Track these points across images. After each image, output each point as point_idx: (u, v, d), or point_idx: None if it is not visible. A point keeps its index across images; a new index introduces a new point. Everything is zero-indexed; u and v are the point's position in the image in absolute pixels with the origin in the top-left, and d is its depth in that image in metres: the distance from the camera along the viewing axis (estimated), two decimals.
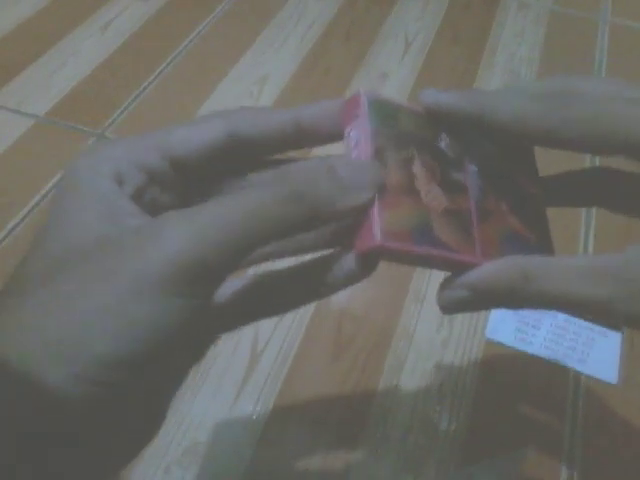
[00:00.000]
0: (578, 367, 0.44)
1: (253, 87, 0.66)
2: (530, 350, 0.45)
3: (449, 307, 0.21)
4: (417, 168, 0.20)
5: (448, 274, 0.21)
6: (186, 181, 0.21)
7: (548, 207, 0.24)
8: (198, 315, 0.17)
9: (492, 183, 0.22)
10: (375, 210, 0.19)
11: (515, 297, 0.19)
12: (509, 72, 0.70)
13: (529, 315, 0.47)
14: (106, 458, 0.18)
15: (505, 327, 0.46)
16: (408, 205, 0.19)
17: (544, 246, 0.22)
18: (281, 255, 0.22)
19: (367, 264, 0.20)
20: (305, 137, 0.21)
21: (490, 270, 0.19)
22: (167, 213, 0.17)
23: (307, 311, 0.47)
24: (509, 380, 0.44)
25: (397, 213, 0.19)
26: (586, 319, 0.19)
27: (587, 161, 0.59)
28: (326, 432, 0.41)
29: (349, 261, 0.20)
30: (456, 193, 0.21)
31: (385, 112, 0.20)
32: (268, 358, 0.44)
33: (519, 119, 0.19)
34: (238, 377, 0.43)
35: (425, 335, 0.46)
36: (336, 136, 0.21)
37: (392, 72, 0.69)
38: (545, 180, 0.24)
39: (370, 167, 0.19)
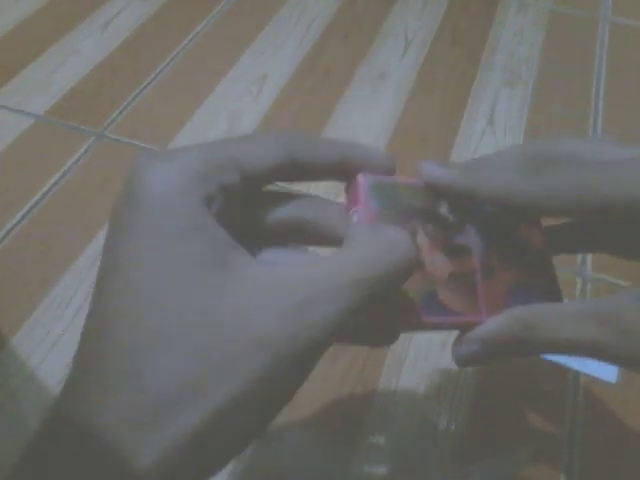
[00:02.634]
0: (577, 367, 0.44)
1: (252, 86, 0.66)
2: None
3: (463, 362, 0.22)
4: (421, 239, 0.21)
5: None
6: (247, 196, 0.21)
7: (553, 255, 0.25)
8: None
9: (494, 240, 0.23)
10: None
11: (521, 346, 0.21)
12: (509, 72, 0.70)
13: None
14: None
15: None
16: (415, 279, 0.21)
17: (551, 294, 0.24)
18: None
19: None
20: (347, 175, 0.22)
21: (494, 324, 0.21)
22: (275, 272, 0.17)
23: None
24: (508, 380, 0.44)
25: (405, 289, 0.20)
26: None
27: None
28: (325, 432, 0.41)
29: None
30: (460, 256, 0.22)
31: (384, 192, 0.22)
32: None
33: (506, 195, 0.21)
34: None
35: (424, 335, 0.46)
36: None
37: (392, 71, 0.69)
38: (547, 230, 0.25)
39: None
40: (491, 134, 0.63)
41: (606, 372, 0.44)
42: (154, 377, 0.16)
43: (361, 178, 0.22)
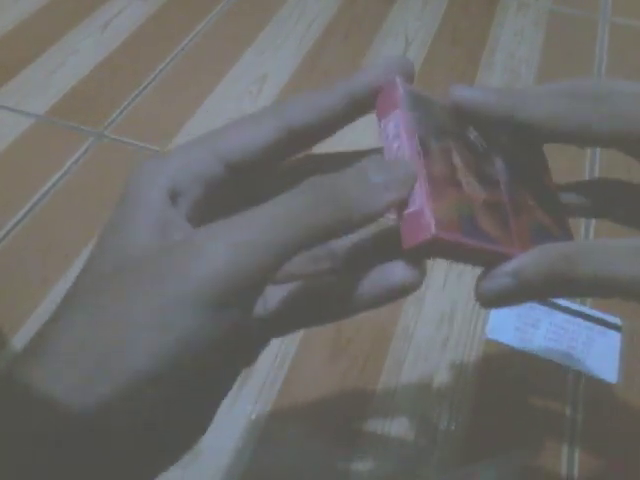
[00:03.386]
0: (578, 366, 0.44)
1: (252, 86, 0.66)
2: (530, 349, 0.45)
3: (491, 298, 0.20)
4: (456, 159, 0.20)
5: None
6: (237, 181, 0.20)
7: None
8: (237, 325, 0.17)
9: (518, 177, 0.22)
10: (425, 201, 0.18)
11: (558, 281, 0.19)
12: (509, 72, 0.70)
13: (529, 314, 0.47)
14: (138, 468, 0.18)
15: (505, 326, 0.46)
16: (454, 196, 0.19)
17: (567, 237, 0.23)
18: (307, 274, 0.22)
19: (417, 264, 0.19)
20: (359, 110, 0.21)
21: (531, 257, 0.19)
22: (202, 228, 0.18)
23: None
24: (509, 380, 0.44)
25: (445, 204, 0.18)
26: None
27: (586, 168, 0.59)
28: (325, 432, 0.41)
29: (397, 270, 0.19)
30: (491, 186, 0.21)
31: (420, 102, 0.20)
32: (267, 358, 0.44)
33: (553, 117, 0.20)
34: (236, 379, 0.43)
35: (425, 335, 0.46)
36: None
37: None
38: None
39: (403, 165, 0.19)
40: None
41: (606, 371, 0.44)
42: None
43: (398, 81, 0.20)
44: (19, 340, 0.44)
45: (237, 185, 0.21)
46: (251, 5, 0.77)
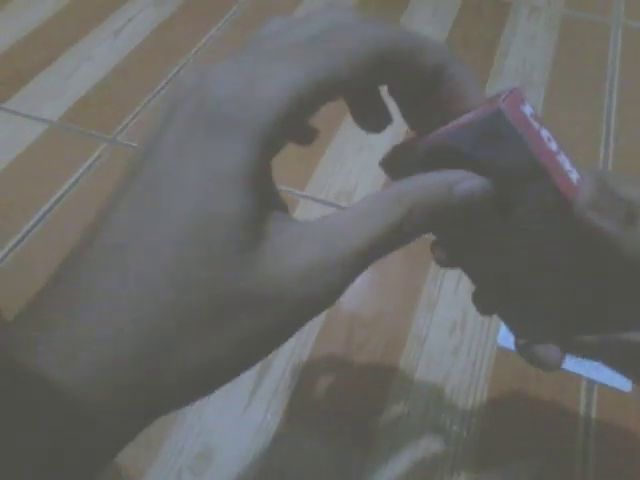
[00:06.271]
0: (591, 375, 0.44)
1: None
2: None
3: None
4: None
5: None
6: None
7: None
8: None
9: None
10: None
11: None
12: (520, 76, 0.70)
13: None
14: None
15: None
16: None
17: None
18: None
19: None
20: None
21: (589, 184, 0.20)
22: None
23: (318, 318, 0.47)
24: (521, 387, 0.44)
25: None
26: None
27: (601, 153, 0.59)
28: (337, 438, 0.41)
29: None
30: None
31: None
32: (279, 364, 0.44)
33: None
34: (249, 383, 0.43)
35: (437, 342, 0.46)
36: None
37: None
38: None
39: None
40: None
41: (620, 380, 0.44)
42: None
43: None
44: None
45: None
46: (261, 12, 0.78)
